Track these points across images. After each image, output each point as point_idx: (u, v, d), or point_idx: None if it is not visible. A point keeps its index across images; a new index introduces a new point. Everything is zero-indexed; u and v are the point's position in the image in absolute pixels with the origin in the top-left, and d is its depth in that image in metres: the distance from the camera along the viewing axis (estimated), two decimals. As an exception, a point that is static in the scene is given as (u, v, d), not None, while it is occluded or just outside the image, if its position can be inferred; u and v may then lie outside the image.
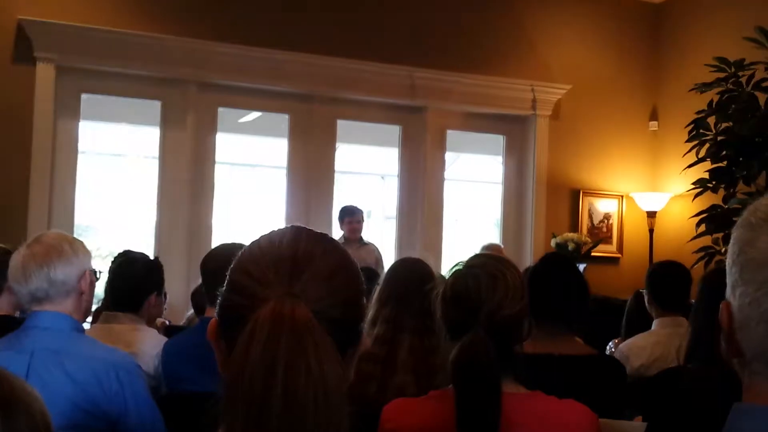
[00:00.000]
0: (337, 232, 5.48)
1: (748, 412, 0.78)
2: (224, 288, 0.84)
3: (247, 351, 0.72)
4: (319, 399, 0.71)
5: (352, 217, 5.30)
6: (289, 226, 0.90)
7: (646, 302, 3.04)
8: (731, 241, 0.82)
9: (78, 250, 1.85)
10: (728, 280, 0.81)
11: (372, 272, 3.88)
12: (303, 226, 0.90)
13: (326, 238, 0.88)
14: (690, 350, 2.08)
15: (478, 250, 5.32)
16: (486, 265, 1.56)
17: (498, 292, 1.50)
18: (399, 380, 2.02)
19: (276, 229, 0.89)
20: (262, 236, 0.88)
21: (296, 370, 0.71)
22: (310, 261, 0.82)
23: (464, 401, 1.41)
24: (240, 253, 0.86)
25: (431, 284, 1.69)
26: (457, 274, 1.57)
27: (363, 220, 5.35)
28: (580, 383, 2.02)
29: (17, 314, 2.73)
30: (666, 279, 3.00)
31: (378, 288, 2.25)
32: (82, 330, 1.89)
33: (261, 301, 0.77)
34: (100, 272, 2.01)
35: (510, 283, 1.52)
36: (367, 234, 5.46)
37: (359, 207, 5.38)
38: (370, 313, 2.19)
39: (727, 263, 0.82)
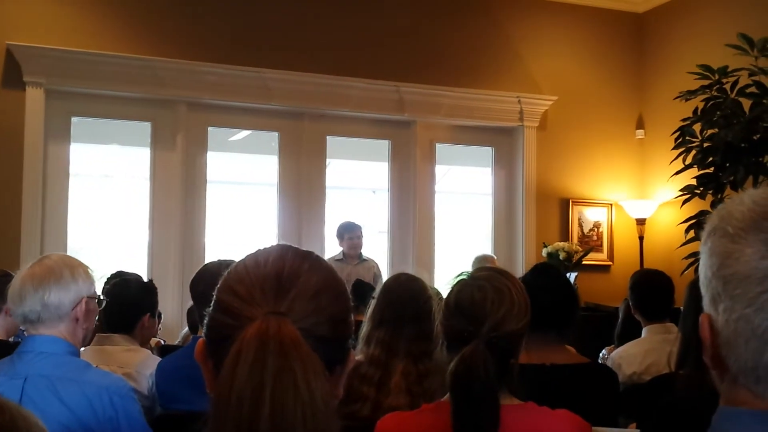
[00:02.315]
0: (329, 248, 5.49)
1: (734, 415, 0.78)
2: (211, 308, 0.84)
3: (235, 371, 0.72)
4: (308, 417, 0.71)
5: (352, 233, 5.28)
6: (275, 244, 0.89)
7: (632, 311, 3.05)
8: (706, 251, 0.79)
9: (78, 276, 1.84)
10: (706, 292, 0.79)
11: (367, 286, 3.88)
12: (289, 244, 0.90)
13: (312, 256, 0.88)
14: (681, 357, 2.08)
15: (470, 261, 5.34)
16: (492, 278, 1.56)
17: (503, 306, 1.50)
18: (393, 401, 2.03)
19: (262, 248, 0.88)
20: (248, 255, 0.88)
21: (284, 388, 0.71)
22: (295, 279, 0.83)
23: (461, 413, 1.41)
24: (226, 272, 0.86)
25: (426, 296, 1.69)
26: (462, 284, 1.57)
27: (362, 236, 5.32)
28: (573, 392, 2.03)
29: (11, 339, 2.73)
30: (648, 290, 3.01)
31: (372, 303, 2.25)
32: (77, 353, 1.87)
33: (247, 320, 0.77)
34: (103, 299, 2.00)
35: (515, 299, 1.53)
36: (363, 248, 5.45)
37: (357, 223, 5.37)
38: (364, 329, 2.20)
39: (702, 273, 0.80)
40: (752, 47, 4.29)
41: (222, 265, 2.23)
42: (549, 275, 2.30)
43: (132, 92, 5.13)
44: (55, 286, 1.79)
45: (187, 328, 3.72)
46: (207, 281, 2.21)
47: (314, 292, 0.83)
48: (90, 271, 1.90)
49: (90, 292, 1.88)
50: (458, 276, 1.62)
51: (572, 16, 6.24)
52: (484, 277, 1.56)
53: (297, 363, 0.72)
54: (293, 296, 0.81)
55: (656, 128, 6.09)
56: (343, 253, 5.29)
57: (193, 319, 3.26)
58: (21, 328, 1.96)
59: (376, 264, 5.40)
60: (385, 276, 5.34)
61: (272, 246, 0.89)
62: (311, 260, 0.87)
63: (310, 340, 0.76)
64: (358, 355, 2.14)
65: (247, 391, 0.70)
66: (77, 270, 1.85)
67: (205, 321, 0.85)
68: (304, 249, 0.90)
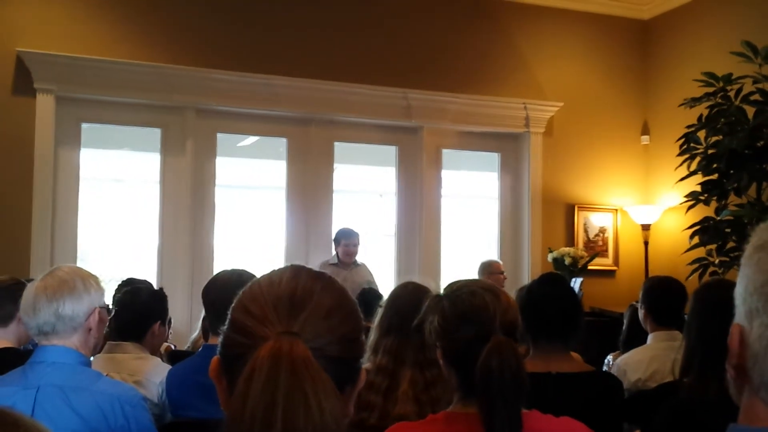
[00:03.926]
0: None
1: None
2: (226, 327, 0.86)
3: (247, 390, 0.73)
4: None
5: (348, 240, 5.26)
6: (289, 265, 0.91)
7: (640, 317, 3.06)
8: (752, 265, 0.79)
9: (90, 287, 1.86)
10: (743, 305, 0.79)
11: (374, 294, 3.89)
12: (302, 265, 0.92)
13: (325, 277, 0.90)
14: (685, 364, 2.09)
15: (477, 267, 5.35)
16: (473, 283, 1.57)
17: (501, 301, 1.52)
18: (401, 410, 2.03)
19: (276, 269, 0.91)
20: (262, 275, 0.90)
21: (295, 408, 0.72)
22: (308, 299, 0.84)
23: (493, 410, 1.38)
24: (241, 292, 0.88)
25: (427, 296, 1.68)
26: (450, 298, 1.55)
27: (359, 243, 5.29)
28: (578, 400, 2.04)
29: (22, 347, 2.76)
30: (662, 294, 3.00)
31: (380, 312, 2.27)
32: (89, 364, 1.89)
33: (260, 339, 0.79)
34: (113, 308, 2.02)
35: (503, 294, 1.55)
36: (366, 254, 5.43)
37: (355, 230, 5.35)
38: (371, 338, 2.21)
39: (743, 286, 0.80)
40: (756, 55, 4.30)
41: (234, 274, 2.26)
42: (555, 284, 2.30)
43: (141, 99, 5.17)
44: (69, 297, 1.81)
45: (197, 333, 3.75)
46: (218, 290, 2.23)
47: (326, 312, 0.84)
48: (100, 281, 1.91)
49: (101, 302, 1.90)
50: (434, 298, 1.61)
51: (578, 22, 6.25)
52: (466, 284, 1.56)
53: (308, 383, 0.73)
54: (306, 316, 0.83)
55: (661, 134, 6.10)
56: (338, 258, 5.29)
57: (206, 325, 3.27)
58: (33, 340, 1.98)
59: (367, 267, 5.34)
60: (388, 281, 5.36)
61: (286, 266, 0.91)
62: (324, 281, 0.89)
63: (321, 360, 0.77)
64: (365, 363, 2.14)
65: (260, 410, 0.72)
66: (89, 280, 1.87)
67: (220, 339, 0.87)
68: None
